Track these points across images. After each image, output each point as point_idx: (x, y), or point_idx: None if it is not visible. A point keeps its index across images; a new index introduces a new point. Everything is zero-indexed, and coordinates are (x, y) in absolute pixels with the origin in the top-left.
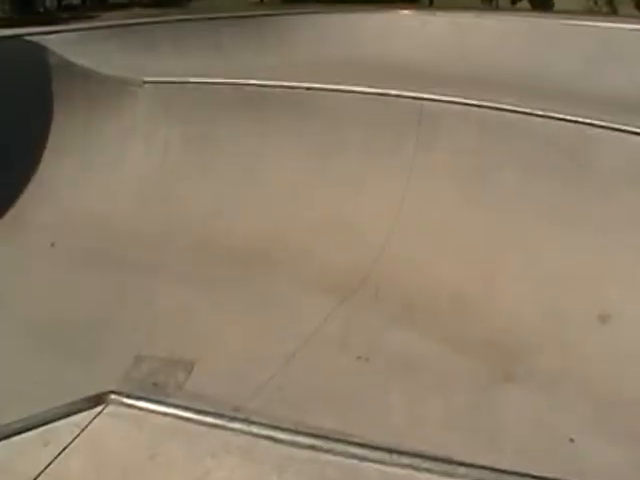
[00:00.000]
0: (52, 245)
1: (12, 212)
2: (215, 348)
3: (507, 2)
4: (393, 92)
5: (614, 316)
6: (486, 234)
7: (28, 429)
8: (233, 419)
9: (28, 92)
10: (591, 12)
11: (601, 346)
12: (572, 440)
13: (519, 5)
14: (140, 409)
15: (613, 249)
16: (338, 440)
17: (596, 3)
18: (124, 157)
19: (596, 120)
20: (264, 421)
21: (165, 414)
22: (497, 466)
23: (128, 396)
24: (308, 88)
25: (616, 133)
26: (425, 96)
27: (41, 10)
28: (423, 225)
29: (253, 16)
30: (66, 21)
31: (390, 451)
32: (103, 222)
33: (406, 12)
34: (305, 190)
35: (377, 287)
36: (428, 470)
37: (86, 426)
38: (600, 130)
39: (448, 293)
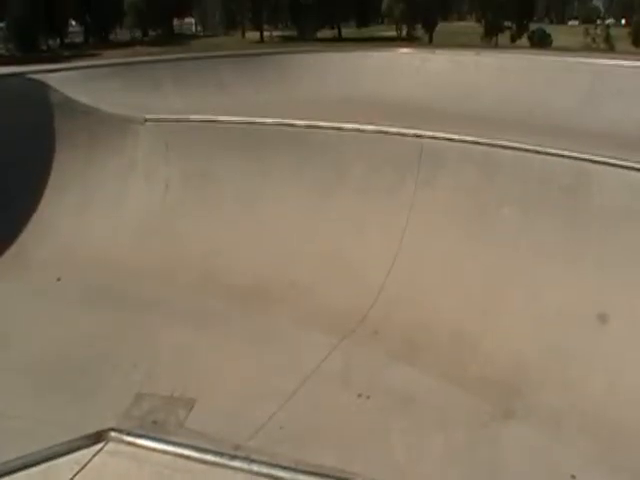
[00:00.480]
0: (58, 280)
1: (13, 249)
2: (215, 386)
3: (506, 40)
4: (393, 130)
5: (615, 353)
6: (486, 271)
7: (29, 466)
8: (234, 457)
9: (30, 129)
10: (589, 49)
11: (602, 382)
12: (574, 477)
13: (518, 42)
14: (140, 447)
15: (614, 285)
16: (339, 478)
17: (594, 40)
18: (125, 194)
19: (595, 156)
20: (265, 459)
21: (165, 452)
22: None
23: (128, 434)
24: (308, 126)
25: (615, 169)
26: (425, 134)
27: (44, 48)
28: (423, 262)
29: (254, 54)
30: (68, 59)
31: None
32: (104, 259)
33: (406, 50)
34: (305, 227)
35: (377, 324)
36: None
37: (86, 463)
38: (599, 166)
39: (448, 330)
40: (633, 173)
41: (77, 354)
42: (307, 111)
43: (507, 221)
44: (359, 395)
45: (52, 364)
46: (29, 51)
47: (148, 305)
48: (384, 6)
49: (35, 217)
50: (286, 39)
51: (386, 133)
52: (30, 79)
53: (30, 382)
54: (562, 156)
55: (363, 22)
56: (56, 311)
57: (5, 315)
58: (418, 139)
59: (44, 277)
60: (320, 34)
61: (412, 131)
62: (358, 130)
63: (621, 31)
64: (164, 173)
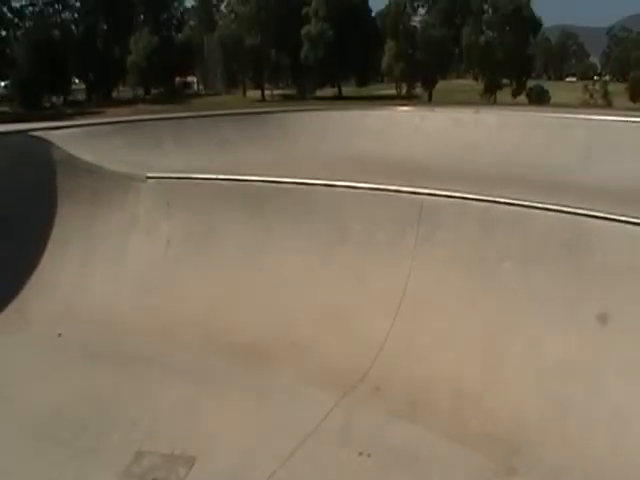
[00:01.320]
0: (59, 335)
1: (15, 304)
2: (216, 443)
3: (505, 97)
4: (393, 187)
5: (617, 408)
6: (486, 326)
7: None
8: None
9: (33, 185)
10: (587, 105)
11: (604, 439)
12: None
13: (517, 99)
14: None
15: (614, 339)
16: None
17: (592, 96)
18: (127, 251)
19: (594, 211)
20: None
21: None
22: None
23: None
24: (309, 183)
25: (614, 224)
26: (425, 191)
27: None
28: (424, 318)
29: (255, 113)
30: (71, 117)
31: None
32: (105, 314)
33: (405, 108)
34: (306, 284)
35: (378, 381)
36: None
37: None
38: (598, 221)
39: (450, 386)
40: (631, 227)
41: (77, 410)
42: (307, 169)
43: (507, 276)
44: (360, 453)
45: (52, 419)
46: (32, 108)
47: (148, 361)
48: (384, 65)
49: (37, 272)
50: (287, 97)
51: (386, 190)
52: (33, 136)
53: (30, 437)
54: (561, 211)
55: (363, 81)
56: (57, 367)
57: (6, 370)
58: (418, 196)
59: (45, 332)
60: (320, 92)
61: (412, 188)
62: (358, 187)
63: (618, 87)
64: (165, 230)
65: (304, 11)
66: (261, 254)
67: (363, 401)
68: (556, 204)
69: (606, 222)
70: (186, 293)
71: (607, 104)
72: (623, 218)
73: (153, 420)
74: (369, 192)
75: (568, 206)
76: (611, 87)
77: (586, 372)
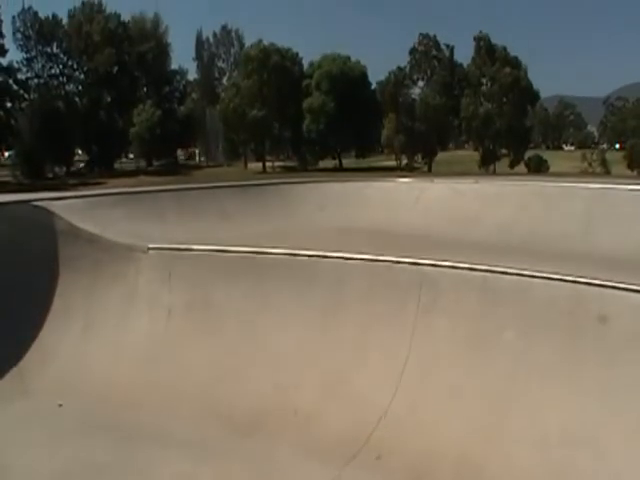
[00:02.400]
0: (60, 406)
1: (14, 374)
2: None
3: (504, 167)
4: (393, 258)
5: (620, 476)
6: (488, 396)
7: None
8: None
9: (35, 255)
10: (585, 173)
11: None
12: None
13: (515, 169)
14: None
15: (617, 409)
16: None
17: (590, 165)
18: (127, 322)
19: (595, 279)
20: None
21: None
22: None
23: None
24: (310, 255)
25: (615, 291)
26: (425, 261)
27: (50, 175)
28: (425, 388)
29: (256, 185)
30: (74, 187)
31: None
32: (105, 386)
33: (405, 180)
34: (306, 355)
35: (379, 451)
36: None
37: None
38: (599, 289)
39: (452, 456)
40: (633, 295)
41: None
42: (308, 241)
43: (508, 346)
44: None
45: None
46: (35, 178)
47: (148, 434)
48: (383, 137)
49: (37, 342)
50: (288, 169)
51: (386, 261)
52: (35, 206)
53: None
54: (562, 280)
55: (363, 152)
56: (55, 437)
57: (5, 443)
58: (418, 267)
59: (44, 402)
60: (321, 164)
61: (412, 259)
62: (358, 258)
63: (616, 155)
64: (166, 301)
65: (305, 83)
66: (261, 325)
67: (364, 471)
68: (557, 273)
69: (607, 290)
70: (187, 365)
71: (605, 172)
72: (624, 286)
73: None
74: (369, 263)
75: (569, 275)
76: (609, 155)
77: (588, 440)
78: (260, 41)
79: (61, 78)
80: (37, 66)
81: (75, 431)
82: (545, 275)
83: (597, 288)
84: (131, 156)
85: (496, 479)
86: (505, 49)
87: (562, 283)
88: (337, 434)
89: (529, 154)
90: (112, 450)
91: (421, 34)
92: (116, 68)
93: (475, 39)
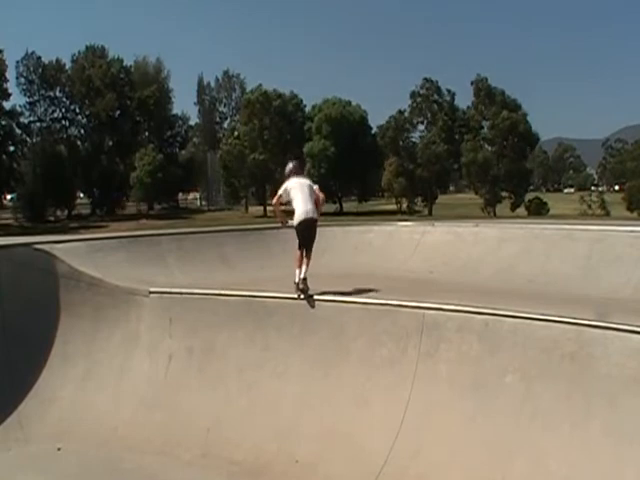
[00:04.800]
0: (59, 449)
1: (14, 419)
2: None
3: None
4: (394, 302)
5: None
6: (490, 442)
7: None
8: None
9: (36, 299)
10: (585, 215)
11: None
12: None
13: (516, 212)
14: None
15: (620, 452)
16: None
17: (590, 207)
18: (129, 366)
19: (595, 322)
20: None
21: None
22: None
23: None
24: (310, 298)
25: (617, 333)
26: (426, 305)
27: (52, 219)
28: (426, 435)
29: (256, 229)
30: (75, 231)
31: None
32: (104, 431)
33: (406, 224)
34: (308, 401)
35: None
36: None
37: None
38: (601, 331)
39: None
40: (635, 336)
41: None
42: (309, 285)
43: (510, 391)
44: None
45: None
46: (37, 221)
47: (148, 479)
48: (384, 181)
49: (37, 387)
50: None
51: (388, 305)
52: (37, 249)
53: None
54: (564, 322)
55: (364, 196)
56: None
57: None
58: (419, 310)
59: (44, 448)
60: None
61: (413, 303)
62: (360, 303)
63: (615, 196)
64: (168, 346)
65: (306, 127)
66: (262, 371)
67: None
68: (558, 315)
69: (609, 332)
70: (187, 410)
71: (605, 214)
72: (626, 327)
73: None
74: (371, 307)
75: (570, 317)
76: (608, 197)
77: None
78: (260, 85)
79: (63, 122)
80: (40, 110)
81: (74, 476)
82: (547, 317)
83: (599, 330)
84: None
85: None
86: (503, 93)
87: (564, 325)
88: None
89: (529, 196)
90: None
91: (425, 78)
92: (118, 112)
93: (473, 83)
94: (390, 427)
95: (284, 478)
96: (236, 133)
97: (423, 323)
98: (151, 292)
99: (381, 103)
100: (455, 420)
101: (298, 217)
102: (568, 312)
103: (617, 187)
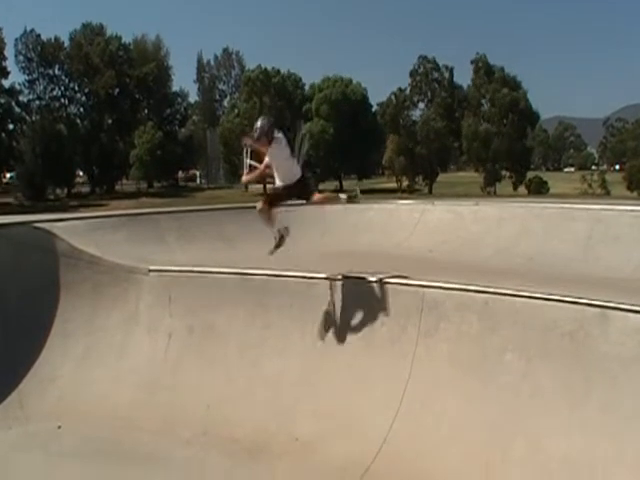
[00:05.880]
0: (59, 428)
1: (15, 397)
2: None
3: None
4: (394, 280)
5: None
6: (489, 422)
7: None
8: None
9: (35, 277)
10: (586, 195)
11: None
12: None
13: (516, 191)
14: None
15: (619, 432)
16: None
17: (590, 186)
18: (127, 345)
19: (595, 301)
20: None
21: None
22: None
23: None
24: (311, 277)
25: (616, 312)
26: (426, 284)
27: (51, 197)
28: (426, 414)
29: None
30: (75, 209)
31: None
32: (104, 410)
33: (406, 202)
34: (307, 380)
35: (380, 478)
36: None
37: None
38: (600, 310)
39: None
40: (633, 316)
41: None
42: (309, 263)
43: (509, 369)
44: None
45: None
46: (37, 200)
47: (147, 458)
48: (385, 159)
49: (37, 364)
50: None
51: (387, 284)
52: (36, 228)
53: None
54: (563, 301)
55: (364, 174)
56: (54, 463)
57: (5, 466)
58: (419, 289)
59: (44, 427)
60: (322, 186)
61: (413, 282)
62: (359, 281)
63: (615, 176)
64: (167, 324)
65: (305, 107)
66: (262, 350)
67: None
68: (558, 294)
69: (608, 311)
70: (187, 388)
71: (605, 194)
72: (625, 307)
73: None
74: (371, 286)
75: (570, 296)
76: (608, 177)
77: (591, 468)
78: (259, 66)
79: (63, 100)
80: (39, 88)
81: (74, 454)
82: (546, 297)
83: (599, 309)
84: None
85: None
86: (503, 70)
87: (563, 305)
88: (338, 461)
89: (529, 175)
90: (111, 473)
91: (420, 56)
92: (117, 90)
93: (473, 61)
94: (390, 406)
95: (283, 456)
96: (236, 110)
97: (423, 302)
98: (151, 270)
99: (382, 81)
100: (454, 399)
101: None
102: (568, 291)
103: (617, 166)
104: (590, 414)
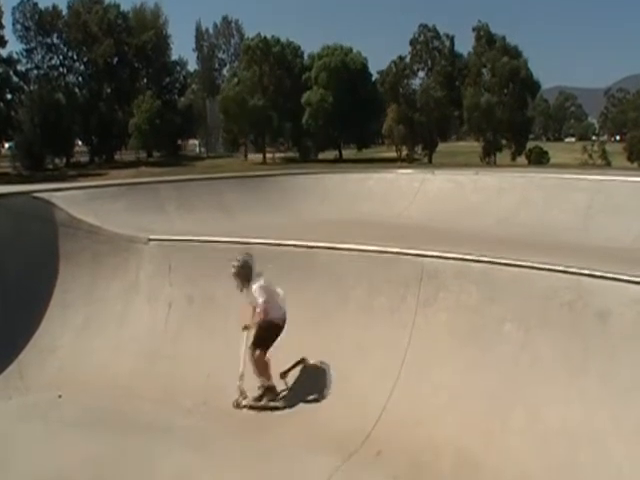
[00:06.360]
0: (59, 397)
1: (15, 367)
2: None
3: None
4: (394, 250)
5: (621, 470)
6: (488, 390)
7: None
8: None
9: (34, 247)
10: (586, 165)
11: None
12: None
13: (516, 161)
14: None
15: (618, 401)
16: None
17: (590, 156)
18: (129, 315)
19: (595, 271)
20: None
21: None
22: None
23: None
24: (310, 247)
25: (615, 283)
26: (425, 253)
27: (50, 167)
28: (425, 382)
29: (256, 176)
30: (74, 178)
31: None
32: (104, 379)
33: (405, 171)
34: (306, 349)
35: (380, 445)
36: None
37: None
38: (600, 281)
39: (452, 450)
40: (633, 286)
41: (77, 476)
42: (308, 233)
43: (508, 338)
44: None
45: None
46: (35, 170)
47: (147, 427)
48: (384, 128)
49: (37, 335)
50: (288, 160)
51: (387, 253)
52: (36, 198)
53: None
54: (563, 271)
55: (364, 144)
56: (55, 432)
57: (4, 436)
58: (419, 258)
59: (45, 396)
60: (321, 155)
61: (412, 251)
62: (359, 250)
63: (616, 146)
64: (167, 294)
65: (305, 76)
66: None
67: (364, 465)
68: (557, 264)
69: (608, 282)
70: (187, 358)
71: (606, 164)
72: (625, 277)
73: None
74: (370, 255)
75: (569, 266)
76: (609, 147)
77: (589, 436)
78: (259, 34)
79: (61, 69)
80: (37, 57)
81: (75, 424)
82: (546, 267)
83: (598, 280)
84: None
85: (495, 473)
86: (504, 38)
87: (563, 275)
88: (337, 428)
89: (530, 145)
90: (112, 442)
91: (421, 25)
92: (116, 59)
93: (474, 29)
94: (389, 375)
95: (283, 425)
96: (236, 79)
97: (422, 271)
98: (150, 239)
99: (382, 49)
100: (453, 369)
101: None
102: (567, 261)
103: (618, 137)
104: (589, 384)
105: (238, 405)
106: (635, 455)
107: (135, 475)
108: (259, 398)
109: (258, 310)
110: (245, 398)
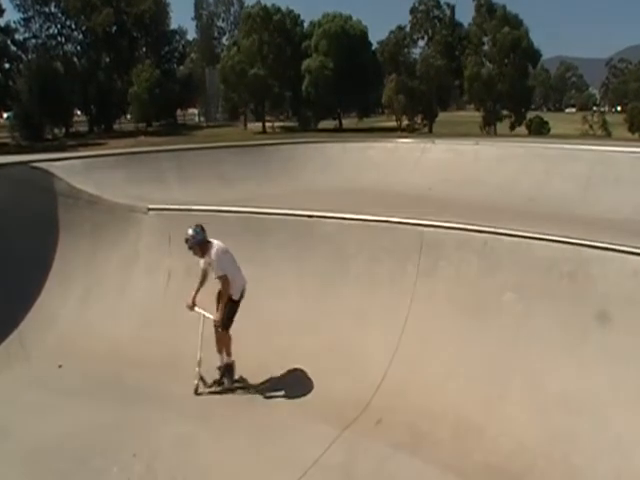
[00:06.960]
0: (60, 366)
1: (15, 336)
2: (214, 479)
3: (505, 128)
4: (394, 219)
5: (619, 438)
6: (488, 359)
7: None
8: None
9: (34, 217)
10: (586, 136)
11: (607, 469)
12: None
13: (516, 131)
14: None
15: (617, 372)
16: None
17: (591, 127)
18: (128, 284)
19: (594, 242)
20: None
21: None
22: None
23: None
24: (310, 216)
25: (615, 254)
26: (426, 222)
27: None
28: (425, 352)
29: (256, 145)
30: (73, 148)
31: None
32: (105, 348)
33: (406, 141)
34: (307, 317)
35: (379, 414)
36: None
37: None
38: (599, 251)
39: (451, 418)
40: (633, 257)
41: (76, 445)
42: (308, 202)
43: (508, 308)
44: None
45: (51, 455)
46: (34, 140)
47: (148, 395)
48: (384, 97)
49: (37, 305)
50: (288, 130)
51: (387, 222)
52: (35, 167)
53: (28, 474)
54: (562, 242)
55: (364, 113)
56: (56, 401)
57: (6, 405)
58: (419, 228)
59: (44, 366)
60: (321, 124)
61: (413, 220)
62: (359, 220)
63: (617, 117)
64: (166, 263)
65: (305, 44)
66: (260, 288)
67: (364, 433)
68: (557, 235)
69: (607, 252)
70: (186, 326)
71: (606, 135)
72: (625, 248)
73: (153, 454)
74: (370, 224)
75: (569, 237)
76: (610, 118)
77: (589, 405)
78: (259, 2)
79: (59, 38)
80: (35, 26)
81: (76, 392)
82: (545, 237)
83: (598, 250)
84: (129, 117)
85: (494, 441)
86: (505, 8)
87: (563, 245)
88: (337, 397)
89: (530, 116)
90: (112, 411)
91: None
92: (115, 28)
93: None
94: (389, 343)
95: (283, 391)
96: (235, 48)
97: (422, 241)
98: (150, 209)
99: (382, 19)
100: (453, 338)
101: (238, 289)
102: (567, 232)
103: (619, 108)
104: (587, 354)
105: (196, 391)
106: (634, 424)
107: (135, 441)
108: (219, 381)
109: (226, 282)
110: (205, 384)
